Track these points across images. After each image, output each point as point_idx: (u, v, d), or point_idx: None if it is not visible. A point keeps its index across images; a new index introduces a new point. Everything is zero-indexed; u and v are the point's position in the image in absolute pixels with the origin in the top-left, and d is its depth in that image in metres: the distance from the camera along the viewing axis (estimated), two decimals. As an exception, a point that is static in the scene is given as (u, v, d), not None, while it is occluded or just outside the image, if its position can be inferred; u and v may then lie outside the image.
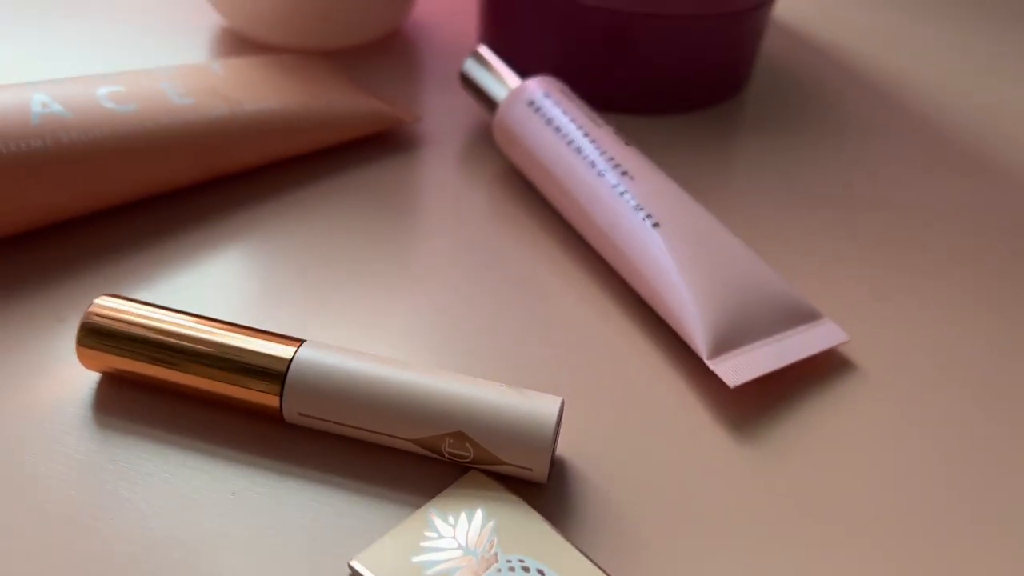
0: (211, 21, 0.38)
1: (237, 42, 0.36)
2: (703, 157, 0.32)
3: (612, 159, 0.27)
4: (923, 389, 0.24)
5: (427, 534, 0.19)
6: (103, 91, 0.26)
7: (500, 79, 0.31)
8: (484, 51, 0.31)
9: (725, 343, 0.23)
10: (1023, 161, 0.34)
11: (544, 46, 0.34)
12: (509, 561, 0.18)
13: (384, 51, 0.37)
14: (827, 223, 0.30)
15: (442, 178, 0.30)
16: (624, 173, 0.26)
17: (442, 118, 0.33)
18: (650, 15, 0.32)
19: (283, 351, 0.21)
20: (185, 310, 0.22)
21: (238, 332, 0.21)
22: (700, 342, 0.23)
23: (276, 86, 0.29)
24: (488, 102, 0.31)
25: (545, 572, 0.18)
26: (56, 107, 0.25)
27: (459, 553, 0.18)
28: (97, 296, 0.24)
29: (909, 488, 0.21)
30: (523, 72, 0.32)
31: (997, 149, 0.34)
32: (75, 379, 0.22)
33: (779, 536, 0.20)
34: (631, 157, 0.27)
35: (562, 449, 0.21)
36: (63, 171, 0.25)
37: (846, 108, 0.36)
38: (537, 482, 0.20)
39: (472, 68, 0.31)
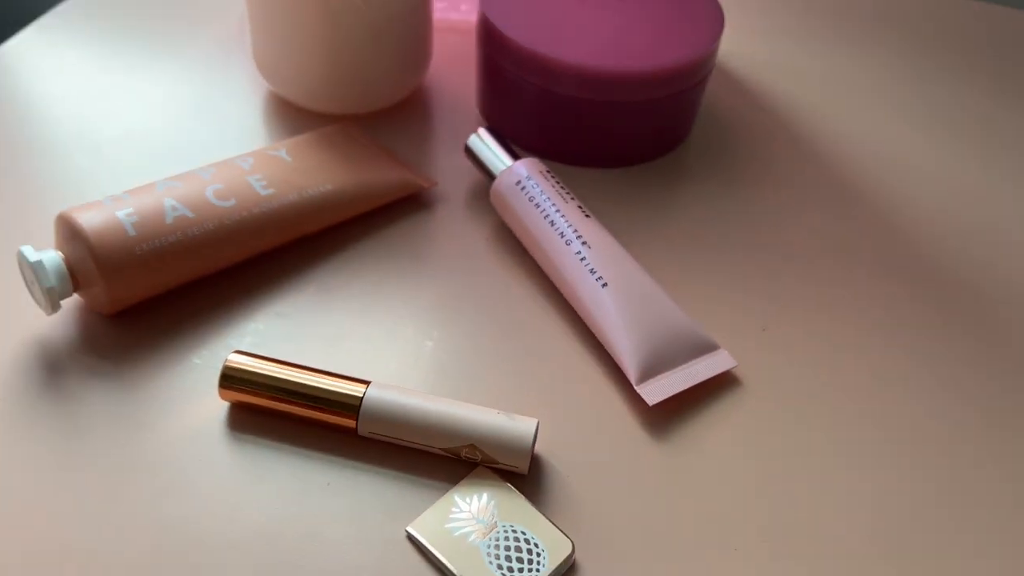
0: (263, 88, 0.47)
1: (282, 104, 0.46)
2: (642, 205, 0.43)
3: (576, 231, 0.37)
4: (792, 400, 0.35)
5: (453, 510, 0.30)
6: (210, 190, 0.36)
7: (496, 157, 0.41)
8: (483, 133, 0.41)
9: (648, 372, 0.34)
10: (904, 216, 0.44)
11: (525, 115, 0.44)
12: (504, 526, 0.30)
13: (402, 113, 0.47)
14: (729, 265, 0.40)
15: (452, 232, 0.41)
16: (584, 243, 0.37)
17: (451, 175, 0.43)
18: (604, 101, 0.42)
19: (357, 390, 0.32)
20: (287, 360, 0.33)
21: (326, 376, 0.32)
22: (631, 372, 0.34)
23: (330, 169, 0.40)
24: (487, 173, 0.41)
25: (526, 533, 0.30)
26: (182, 209, 0.35)
27: (473, 522, 0.30)
28: (222, 344, 0.35)
29: (781, 477, 0.33)
30: (509, 133, 0.42)
31: (884, 195, 0.45)
32: (214, 406, 0.33)
33: (684, 507, 0.31)
34: (590, 228, 0.38)
35: (539, 449, 0.33)
36: (187, 254, 0.35)
37: (768, 157, 0.46)
38: (521, 474, 0.31)
39: (475, 144, 0.42)
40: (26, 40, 0.50)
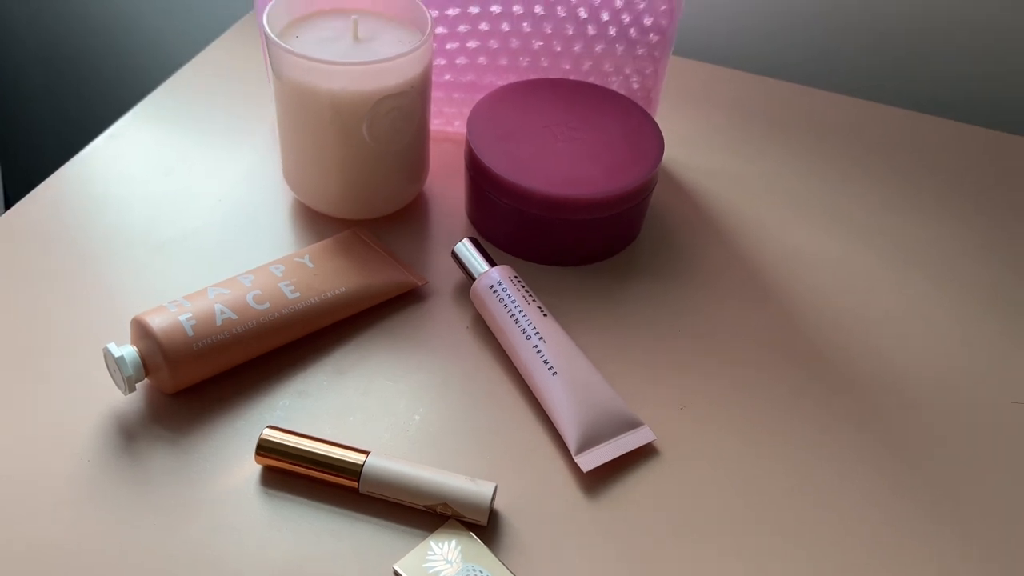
0: (290, 196, 0.58)
1: (305, 210, 0.57)
2: (592, 298, 0.53)
3: (535, 328, 0.47)
4: (700, 467, 0.45)
5: (429, 553, 0.40)
6: (250, 296, 0.47)
7: (476, 262, 0.51)
8: (467, 242, 0.52)
9: (584, 445, 0.44)
10: (811, 306, 0.54)
11: (501, 224, 0.54)
12: (467, 566, 0.40)
13: (404, 217, 0.57)
14: (657, 350, 0.50)
15: (439, 323, 0.51)
16: (541, 338, 0.47)
17: (440, 273, 0.54)
18: (565, 219, 0.52)
19: (359, 458, 0.42)
20: (307, 433, 0.43)
21: (335, 447, 0.42)
22: (571, 444, 0.44)
23: (344, 274, 0.50)
24: (468, 275, 0.51)
25: (484, 572, 0.40)
26: (229, 313, 0.46)
27: (444, 562, 0.40)
28: (258, 417, 0.45)
29: (689, 528, 0.42)
30: (489, 236, 0.53)
31: (795, 289, 0.54)
32: (250, 468, 0.43)
33: (610, 553, 0.41)
34: (546, 325, 0.48)
35: (497, 504, 0.43)
36: (231, 347, 0.45)
37: (701, 255, 0.56)
38: (481, 525, 0.41)
39: (460, 251, 0.52)
40: (98, 148, 0.61)
